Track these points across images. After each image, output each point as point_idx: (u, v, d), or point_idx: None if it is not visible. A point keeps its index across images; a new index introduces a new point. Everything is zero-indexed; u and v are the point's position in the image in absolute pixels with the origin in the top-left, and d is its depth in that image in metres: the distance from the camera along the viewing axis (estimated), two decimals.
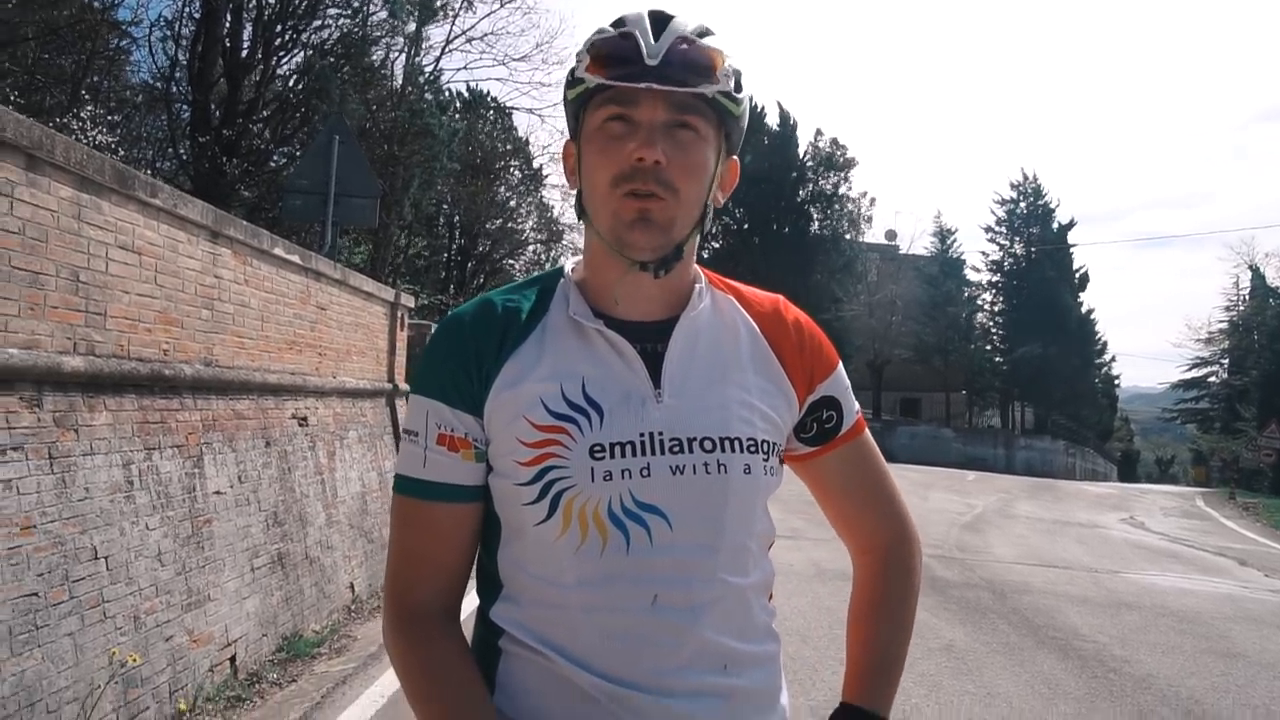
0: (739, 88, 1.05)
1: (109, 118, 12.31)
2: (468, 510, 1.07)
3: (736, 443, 1.05)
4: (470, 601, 1.12)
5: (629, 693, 1.00)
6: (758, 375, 1.11)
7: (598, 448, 1.01)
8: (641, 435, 1.02)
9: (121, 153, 11.76)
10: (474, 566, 1.12)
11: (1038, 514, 14.68)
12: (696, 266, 1.14)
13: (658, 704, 1.00)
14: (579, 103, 1.06)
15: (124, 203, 3.76)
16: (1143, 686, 4.98)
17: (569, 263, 1.16)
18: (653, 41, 1.01)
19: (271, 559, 4.93)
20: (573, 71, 1.06)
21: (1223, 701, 4.79)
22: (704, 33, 1.04)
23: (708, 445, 1.04)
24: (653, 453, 1.02)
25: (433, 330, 1.13)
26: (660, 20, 1.03)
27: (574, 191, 1.10)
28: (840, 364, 1.21)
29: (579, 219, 1.11)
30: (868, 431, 1.23)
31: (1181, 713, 4.57)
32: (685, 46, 1.01)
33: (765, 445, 1.08)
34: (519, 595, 1.06)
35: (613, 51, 1.02)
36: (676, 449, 1.03)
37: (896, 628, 1.19)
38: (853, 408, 1.20)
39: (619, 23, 1.04)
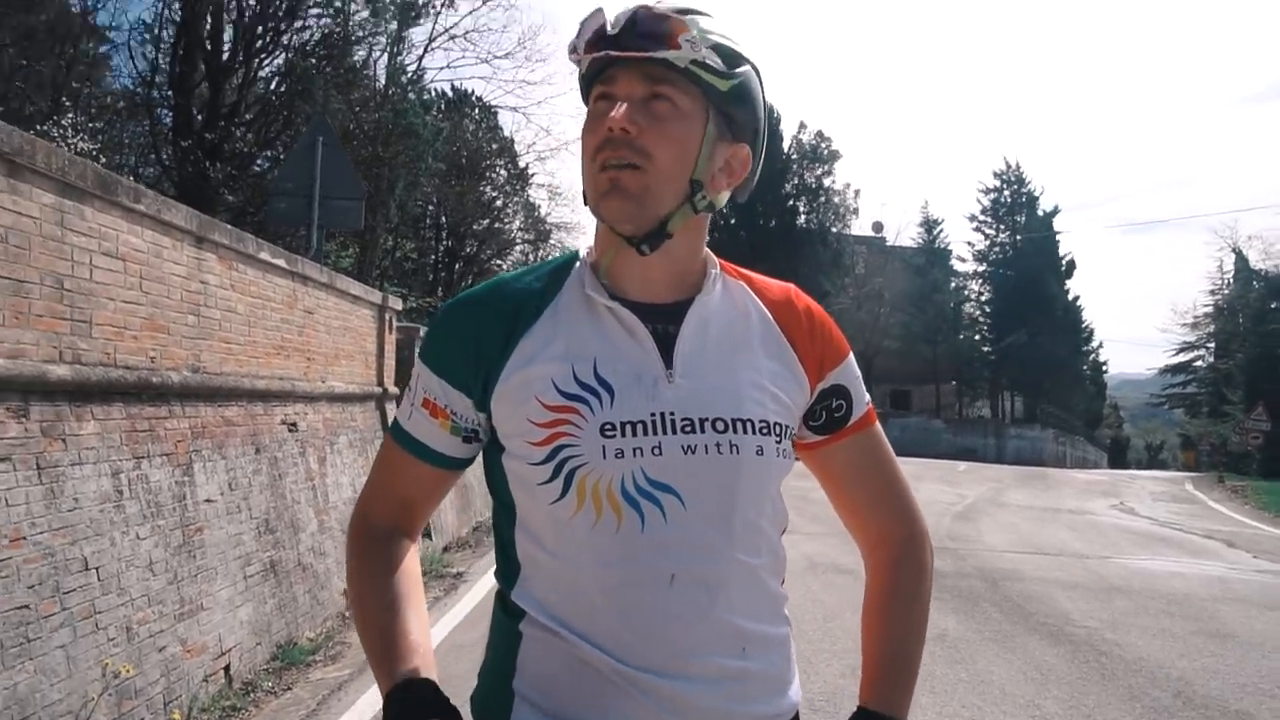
0: (732, 64, 1.03)
1: (90, 124, 12.21)
2: (435, 474, 1.14)
3: (749, 424, 1.05)
4: (486, 582, 1.14)
5: (645, 675, 1.00)
6: (769, 358, 1.12)
7: (608, 426, 1.02)
8: (653, 415, 1.03)
9: (103, 159, 11.64)
10: (495, 549, 1.15)
11: (1028, 502, 14.77)
12: (710, 253, 1.15)
13: (673, 686, 1.00)
14: (585, 88, 1.09)
15: (107, 208, 3.74)
16: (1134, 669, 5.02)
17: (583, 247, 1.17)
18: (620, 14, 1.02)
19: (264, 567, 4.92)
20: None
21: (1213, 681, 4.84)
22: (684, 10, 1.02)
23: (720, 426, 1.04)
24: (664, 432, 1.02)
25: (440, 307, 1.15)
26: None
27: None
28: (851, 354, 1.21)
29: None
30: (879, 424, 1.22)
31: (1172, 693, 4.61)
32: (644, 13, 1.01)
33: (777, 427, 1.08)
34: (537, 576, 1.06)
35: (586, 28, 1.04)
36: (688, 429, 1.03)
37: (910, 626, 1.19)
38: (863, 398, 1.20)
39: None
